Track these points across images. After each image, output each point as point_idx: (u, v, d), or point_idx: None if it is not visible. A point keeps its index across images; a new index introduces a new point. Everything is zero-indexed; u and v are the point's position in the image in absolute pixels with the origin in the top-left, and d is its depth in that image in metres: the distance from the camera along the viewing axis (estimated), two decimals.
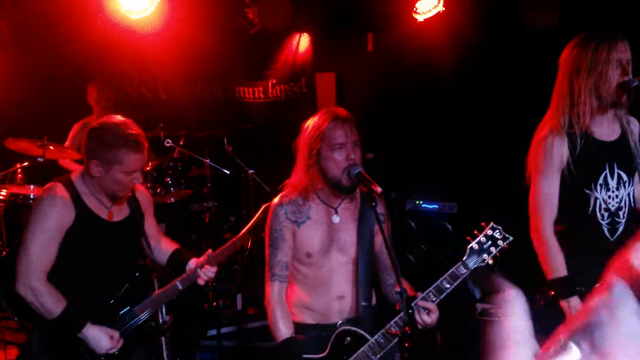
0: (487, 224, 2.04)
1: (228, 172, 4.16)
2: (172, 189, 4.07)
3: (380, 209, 2.15)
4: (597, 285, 1.15)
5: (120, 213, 2.34)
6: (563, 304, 2.14)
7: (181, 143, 4.18)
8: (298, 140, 2.23)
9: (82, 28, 3.93)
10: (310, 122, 2.19)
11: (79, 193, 2.22)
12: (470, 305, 3.87)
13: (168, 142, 3.96)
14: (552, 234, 2.17)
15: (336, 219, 2.22)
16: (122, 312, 2.28)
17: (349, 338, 2.09)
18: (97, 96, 4.43)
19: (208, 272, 2.39)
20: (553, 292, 2.17)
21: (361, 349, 2.06)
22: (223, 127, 4.51)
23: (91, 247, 2.25)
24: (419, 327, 1.98)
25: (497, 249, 2.02)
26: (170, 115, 4.90)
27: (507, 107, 4.18)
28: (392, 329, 2.01)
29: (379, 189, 1.99)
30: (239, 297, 3.90)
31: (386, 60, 5.21)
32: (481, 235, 2.04)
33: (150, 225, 2.52)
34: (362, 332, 2.09)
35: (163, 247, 2.56)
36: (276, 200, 2.25)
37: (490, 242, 2.02)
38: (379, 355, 2.04)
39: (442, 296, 2.02)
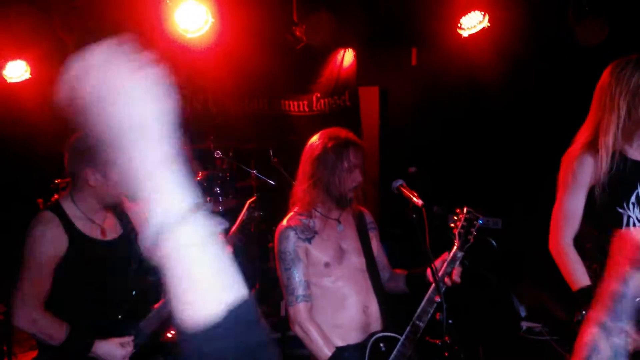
0: (462, 210, 2.27)
1: (273, 183, 4.26)
2: (220, 198, 4.22)
3: (370, 218, 2.44)
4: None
5: (113, 231, 2.29)
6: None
7: (230, 154, 4.31)
8: (306, 155, 2.34)
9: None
10: (324, 141, 2.31)
11: (70, 217, 2.14)
12: (515, 322, 3.80)
13: (218, 154, 4.09)
14: (571, 246, 2.20)
15: (340, 227, 2.35)
16: (129, 327, 2.23)
17: (381, 344, 2.18)
18: None
19: None
20: (579, 304, 2.15)
21: (396, 349, 2.14)
22: (269, 139, 4.63)
23: (91, 268, 2.20)
24: (450, 284, 2.17)
25: (475, 229, 2.25)
26: (220, 128, 5.07)
27: (553, 123, 4.11)
28: (420, 322, 2.14)
29: (419, 202, 2.08)
30: (282, 304, 3.96)
31: (430, 74, 5.23)
32: (462, 220, 2.25)
33: None
34: (394, 334, 2.19)
35: None
36: (284, 222, 2.30)
37: (468, 224, 2.26)
38: (411, 349, 2.14)
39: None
